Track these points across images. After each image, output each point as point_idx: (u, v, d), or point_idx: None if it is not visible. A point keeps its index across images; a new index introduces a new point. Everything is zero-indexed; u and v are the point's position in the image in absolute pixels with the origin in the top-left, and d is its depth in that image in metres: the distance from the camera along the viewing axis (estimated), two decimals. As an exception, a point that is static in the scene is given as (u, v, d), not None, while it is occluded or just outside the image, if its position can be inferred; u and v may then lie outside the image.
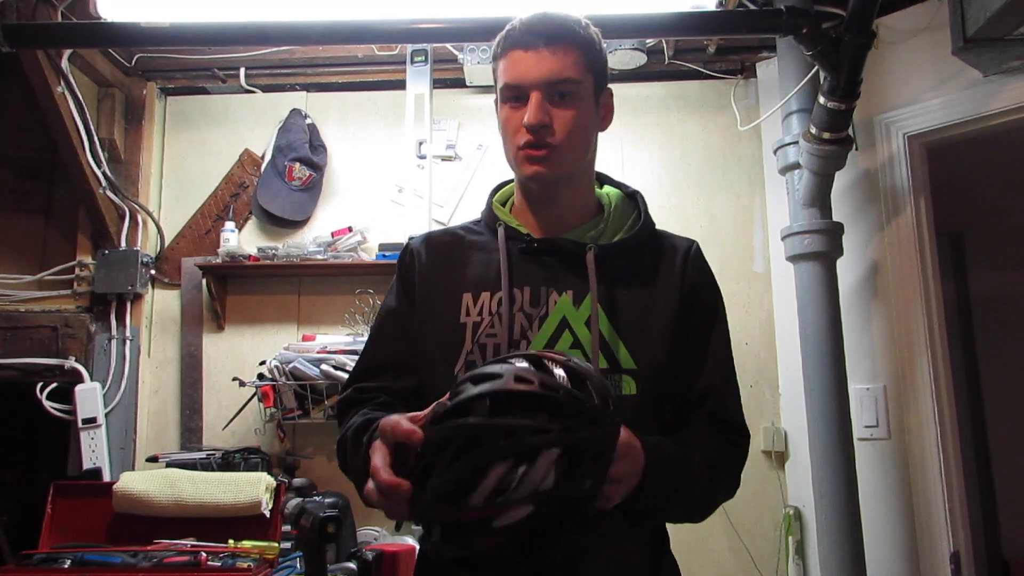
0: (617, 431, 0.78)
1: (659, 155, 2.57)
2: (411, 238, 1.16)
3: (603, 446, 0.75)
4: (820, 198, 2.07)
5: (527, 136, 0.99)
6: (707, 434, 1.01)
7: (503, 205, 1.13)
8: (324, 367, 2.21)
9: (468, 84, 2.56)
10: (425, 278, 1.09)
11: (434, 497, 0.72)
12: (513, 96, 1.00)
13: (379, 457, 0.78)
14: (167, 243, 2.60)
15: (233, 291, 2.56)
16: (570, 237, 1.05)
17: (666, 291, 1.04)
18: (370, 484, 0.78)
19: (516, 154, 1.01)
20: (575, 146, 1.02)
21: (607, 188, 1.14)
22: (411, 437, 0.75)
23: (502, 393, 0.72)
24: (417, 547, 1.10)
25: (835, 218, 2.09)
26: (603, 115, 1.08)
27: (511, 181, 1.15)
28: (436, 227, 2.29)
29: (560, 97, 0.99)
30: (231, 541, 1.99)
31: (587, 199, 1.09)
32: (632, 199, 1.14)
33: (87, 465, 2.33)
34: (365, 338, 1.19)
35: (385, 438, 0.79)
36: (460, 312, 1.03)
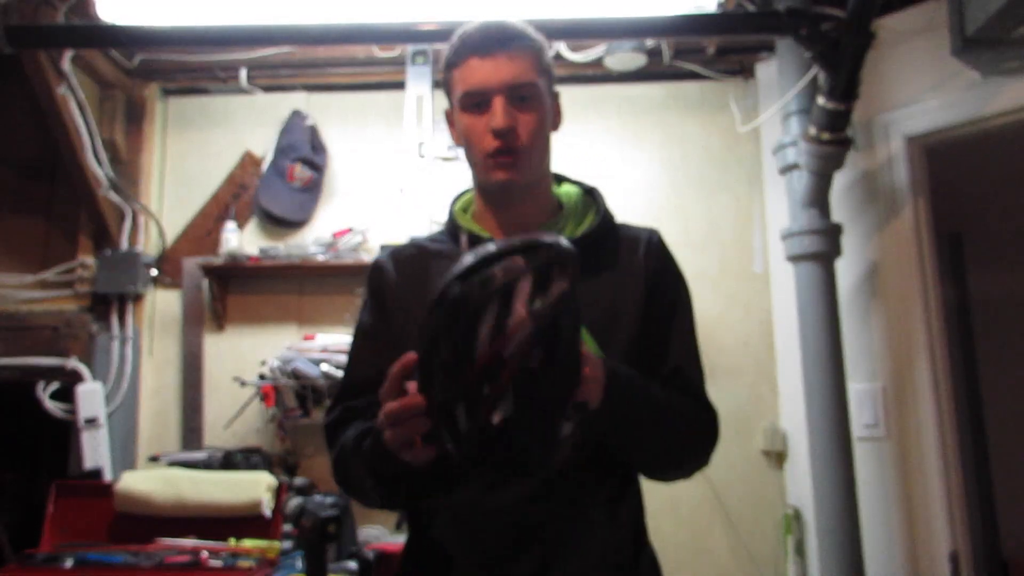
0: (569, 245, 0.79)
1: (659, 155, 2.58)
2: (378, 255, 1.18)
3: (564, 252, 0.77)
4: (819, 199, 2.08)
5: (495, 142, 1.00)
6: (684, 401, 1.03)
7: (464, 212, 1.15)
8: (325, 367, 2.22)
9: (468, 85, 2.56)
10: (395, 292, 1.10)
11: (444, 370, 0.74)
12: (474, 103, 1.02)
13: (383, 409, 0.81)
14: (168, 243, 2.60)
15: (234, 291, 2.57)
16: None
17: (630, 281, 1.06)
18: (388, 434, 0.81)
19: (484, 161, 1.03)
20: (540, 149, 1.04)
21: (565, 186, 1.16)
22: (407, 362, 0.78)
23: (469, 272, 0.74)
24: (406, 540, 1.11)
25: (834, 219, 2.10)
26: (555, 116, 1.10)
27: (468, 191, 1.17)
28: (436, 228, 2.30)
29: (521, 101, 1.01)
30: (232, 540, 2.00)
31: (547, 199, 1.11)
32: (590, 195, 1.16)
33: (88, 465, 2.34)
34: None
35: (384, 397, 0.81)
36: None
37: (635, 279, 1.06)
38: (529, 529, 0.96)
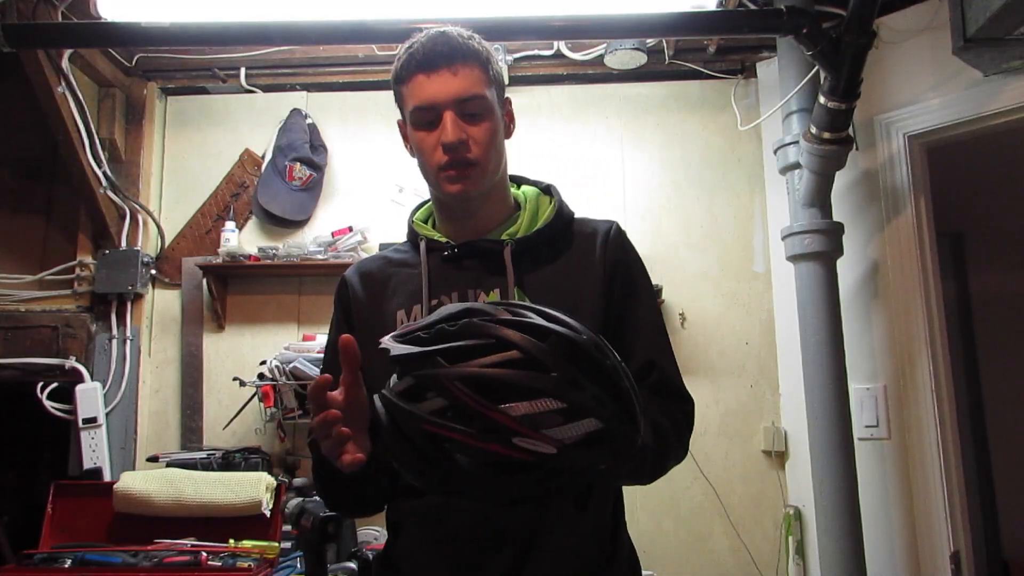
0: (639, 430, 0.79)
1: (659, 155, 2.57)
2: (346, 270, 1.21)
3: (631, 445, 0.76)
4: (820, 198, 2.07)
5: (446, 156, 1.01)
6: (654, 403, 1.02)
7: (425, 222, 1.17)
8: (324, 367, 2.21)
9: (468, 84, 2.56)
10: (361, 304, 1.12)
11: (465, 378, 0.71)
12: (424, 119, 1.02)
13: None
14: (167, 243, 2.60)
15: (234, 291, 2.56)
16: (489, 238, 1.08)
17: (589, 272, 1.07)
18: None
19: (437, 175, 1.04)
20: (492, 159, 1.05)
21: (524, 188, 1.17)
22: (323, 382, 0.84)
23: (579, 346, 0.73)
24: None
25: (835, 218, 2.09)
26: (507, 123, 1.11)
27: (428, 201, 1.18)
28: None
29: (470, 114, 1.02)
30: (231, 541, 1.99)
31: (504, 203, 1.12)
32: (547, 192, 1.17)
33: (88, 465, 2.33)
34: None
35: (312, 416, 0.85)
36: (396, 328, 1.06)
37: (594, 270, 1.07)
38: (498, 531, 0.96)
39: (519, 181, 1.18)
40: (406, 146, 1.12)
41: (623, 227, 1.15)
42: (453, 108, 1.00)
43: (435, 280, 1.07)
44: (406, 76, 1.04)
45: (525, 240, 1.07)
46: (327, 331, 2.49)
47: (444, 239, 1.10)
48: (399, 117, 1.11)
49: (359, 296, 1.13)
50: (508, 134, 1.11)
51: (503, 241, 1.06)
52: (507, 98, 1.11)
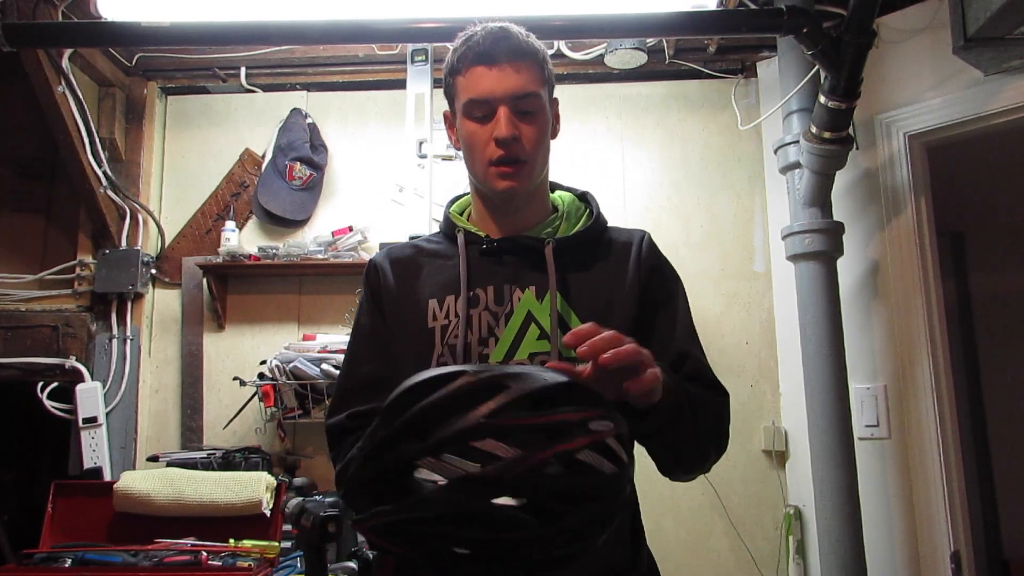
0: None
1: (659, 154, 2.57)
2: (374, 256, 1.19)
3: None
4: (821, 197, 2.07)
5: (498, 151, 1.02)
6: (696, 388, 1.02)
7: (461, 215, 1.17)
8: (324, 366, 2.22)
9: (468, 84, 2.56)
10: (392, 292, 1.11)
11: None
12: (478, 111, 1.03)
13: None
14: (168, 242, 2.60)
15: (234, 290, 2.56)
16: (529, 235, 1.09)
17: (623, 278, 1.08)
18: None
19: (487, 169, 1.04)
20: (540, 157, 1.07)
21: (559, 193, 1.19)
22: None
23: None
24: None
25: (836, 217, 2.09)
26: (555, 124, 1.12)
27: (464, 195, 1.19)
28: (436, 227, 2.29)
29: (524, 111, 1.03)
30: (232, 540, 1.99)
31: (544, 203, 1.14)
32: (583, 199, 1.19)
33: (88, 464, 2.33)
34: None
35: None
36: (428, 318, 1.07)
37: (628, 276, 1.09)
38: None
39: (554, 187, 1.20)
40: (450, 138, 1.13)
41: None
42: (508, 104, 1.01)
43: (472, 272, 1.07)
44: (462, 67, 1.04)
45: (564, 240, 1.09)
46: (327, 331, 2.50)
47: (483, 233, 1.11)
48: (446, 108, 1.12)
49: (389, 282, 1.12)
50: (554, 134, 1.12)
51: (543, 238, 1.08)
52: (555, 99, 1.12)
